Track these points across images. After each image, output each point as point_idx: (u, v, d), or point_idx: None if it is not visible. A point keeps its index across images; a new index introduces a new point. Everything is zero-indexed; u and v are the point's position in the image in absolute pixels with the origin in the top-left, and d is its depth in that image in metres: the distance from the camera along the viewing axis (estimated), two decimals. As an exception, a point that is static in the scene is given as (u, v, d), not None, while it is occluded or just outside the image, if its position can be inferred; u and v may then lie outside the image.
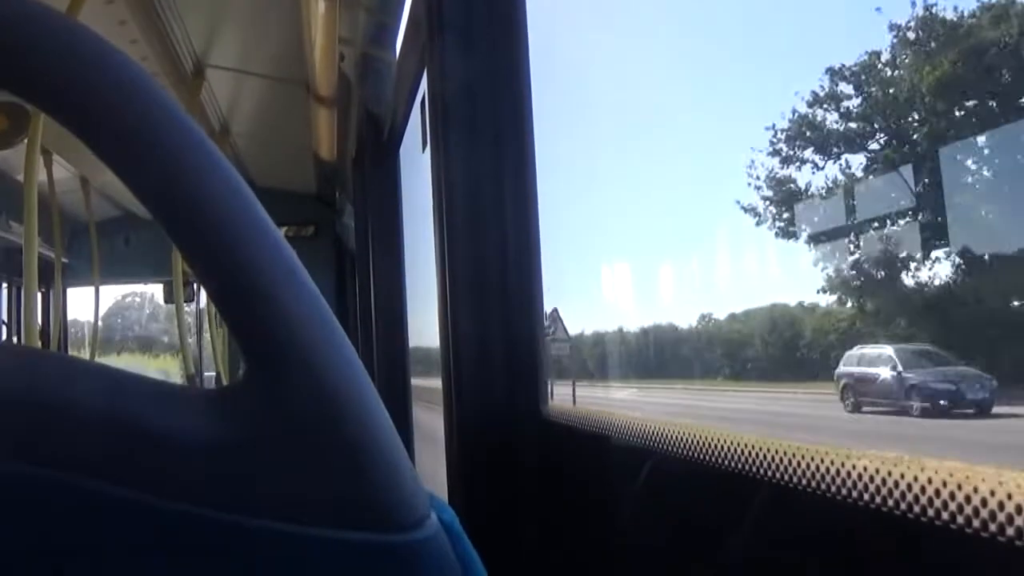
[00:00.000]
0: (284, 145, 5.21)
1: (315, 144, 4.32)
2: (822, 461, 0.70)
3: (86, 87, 0.42)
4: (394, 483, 0.44)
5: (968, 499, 0.54)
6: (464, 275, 1.52)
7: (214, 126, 4.83)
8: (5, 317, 6.89)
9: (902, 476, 0.60)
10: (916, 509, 0.58)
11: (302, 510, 0.44)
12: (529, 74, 1.53)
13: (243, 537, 0.43)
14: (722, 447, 0.85)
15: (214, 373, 6.68)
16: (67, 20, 0.43)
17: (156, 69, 3.73)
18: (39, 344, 4.94)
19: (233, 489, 0.43)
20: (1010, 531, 0.52)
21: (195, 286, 6.48)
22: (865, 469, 0.64)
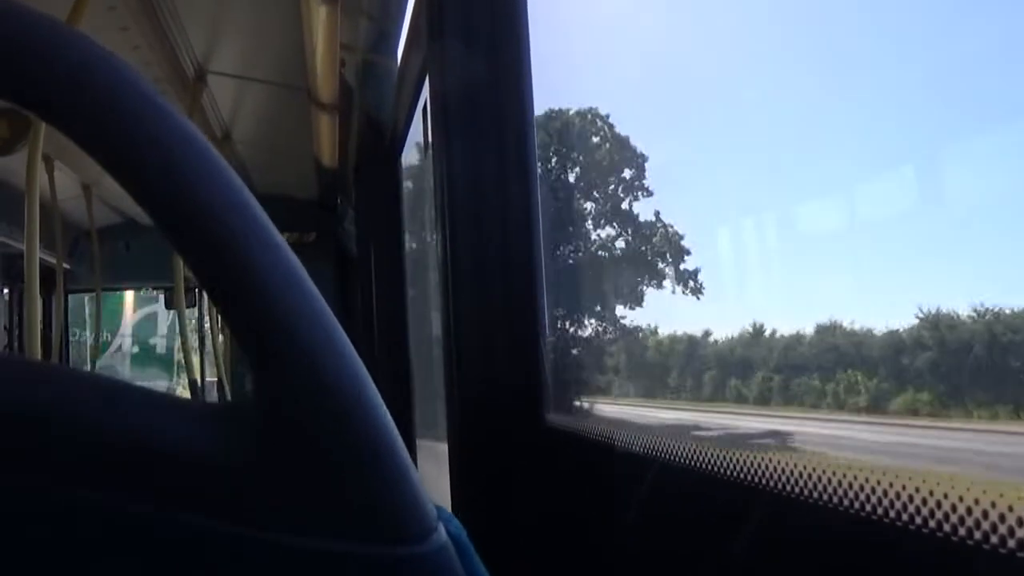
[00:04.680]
0: (286, 151, 5.20)
1: (317, 150, 4.32)
2: (834, 474, 0.69)
3: (85, 95, 0.42)
4: (401, 495, 0.44)
5: (1002, 518, 0.53)
6: (467, 281, 1.51)
7: (216, 132, 4.83)
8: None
9: (903, 488, 0.60)
10: (946, 528, 0.58)
11: (309, 523, 0.43)
12: (531, 78, 1.53)
13: (250, 550, 0.43)
14: (726, 457, 0.85)
15: (215, 379, 6.67)
16: (66, 27, 0.43)
17: (158, 75, 3.74)
18: (40, 350, 4.94)
19: (239, 502, 0.43)
20: None
21: (196, 292, 6.47)
22: (867, 480, 0.64)
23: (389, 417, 0.45)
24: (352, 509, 0.43)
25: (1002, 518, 0.53)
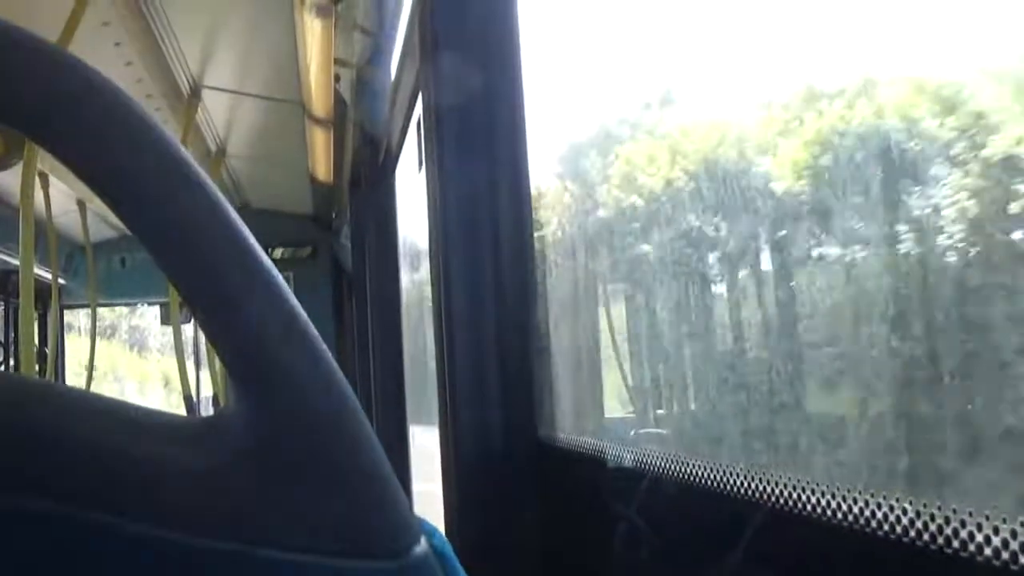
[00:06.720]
0: (281, 166, 5.22)
1: (312, 165, 4.33)
2: (820, 491, 0.69)
3: (73, 117, 0.42)
4: (383, 509, 0.44)
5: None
6: (460, 294, 1.51)
7: (210, 147, 4.83)
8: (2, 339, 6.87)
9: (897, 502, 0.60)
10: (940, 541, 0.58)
11: (290, 537, 0.43)
12: (523, 92, 1.53)
13: (231, 565, 0.43)
14: (721, 471, 0.85)
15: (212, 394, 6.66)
16: (55, 48, 0.43)
17: (152, 91, 3.74)
18: (36, 366, 4.93)
19: (221, 517, 0.43)
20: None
21: None
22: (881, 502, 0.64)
23: (371, 429, 0.45)
24: (331, 523, 0.43)
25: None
